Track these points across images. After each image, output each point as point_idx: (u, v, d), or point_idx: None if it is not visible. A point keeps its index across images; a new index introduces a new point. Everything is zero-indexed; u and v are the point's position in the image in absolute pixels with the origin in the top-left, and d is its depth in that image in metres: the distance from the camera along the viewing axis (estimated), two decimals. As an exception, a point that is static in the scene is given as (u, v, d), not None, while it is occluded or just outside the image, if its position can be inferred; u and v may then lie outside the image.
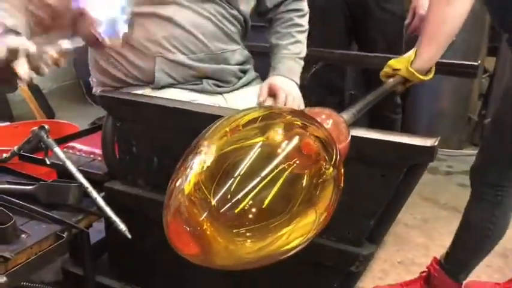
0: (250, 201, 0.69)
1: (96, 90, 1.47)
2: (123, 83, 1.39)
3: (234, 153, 0.73)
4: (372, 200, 0.99)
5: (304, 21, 1.53)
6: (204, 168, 0.72)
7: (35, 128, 1.32)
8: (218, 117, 0.79)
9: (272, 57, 1.49)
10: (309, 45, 1.59)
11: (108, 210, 1.21)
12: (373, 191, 0.98)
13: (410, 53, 1.35)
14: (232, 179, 0.70)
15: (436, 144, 0.90)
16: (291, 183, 0.72)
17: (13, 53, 0.92)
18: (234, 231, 0.70)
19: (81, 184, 1.24)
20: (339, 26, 2.06)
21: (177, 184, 0.72)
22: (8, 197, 1.21)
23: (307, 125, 0.77)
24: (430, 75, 1.38)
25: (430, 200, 2.49)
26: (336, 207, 0.77)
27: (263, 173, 0.70)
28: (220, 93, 1.42)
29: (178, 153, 0.77)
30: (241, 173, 0.70)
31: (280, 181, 0.71)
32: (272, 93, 1.41)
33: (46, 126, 1.31)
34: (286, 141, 0.74)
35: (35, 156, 1.39)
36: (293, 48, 1.47)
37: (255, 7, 1.48)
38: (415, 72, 1.33)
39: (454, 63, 1.67)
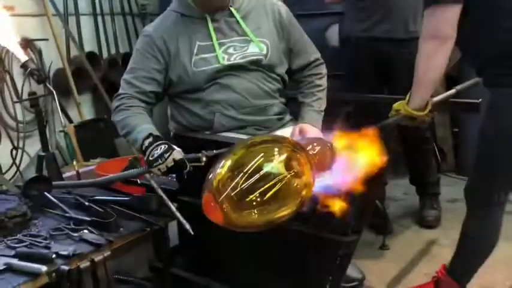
0: (251, 190, 1.16)
1: (172, 133, 2.03)
2: (190, 129, 1.94)
3: (246, 160, 1.20)
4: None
5: (323, 82, 2.02)
6: (226, 168, 1.20)
7: (131, 158, 1.89)
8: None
9: (301, 109, 1.98)
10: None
11: (178, 214, 1.70)
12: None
13: (407, 97, 1.76)
14: (241, 175, 1.17)
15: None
16: (280, 181, 1.18)
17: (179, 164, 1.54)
18: (242, 205, 1.17)
19: (160, 196, 1.77)
20: (370, 81, 2.49)
21: (210, 177, 1.20)
22: (112, 205, 1.78)
23: (296, 149, 1.24)
24: (426, 111, 1.75)
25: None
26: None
27: (260, 174, 1.17)
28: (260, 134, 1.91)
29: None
30: (247, 172, 1.17)
31: (275, 181, 1.17)
32: (302, 135, 1.89)
33: (138, 157, 1.88)
34: (279, 157, 1.21)
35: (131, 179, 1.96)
36: (315, 104, 1.97)
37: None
38: (410, 110, 1.71)
39: (457, 101, 2.02)
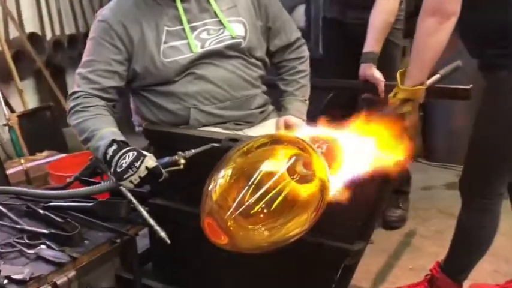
0: (258, 205, 0.95)
1: (139, 130, 1.77)
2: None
3: (249, 168, 0.99)
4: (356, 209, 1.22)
5: (306, 66, 1.82)
6: (227, 180, 0.99)
7: (92, 157, 1.63)
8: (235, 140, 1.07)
9: (283, 99, 1.79)
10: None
11: (151, 221, 1.48)
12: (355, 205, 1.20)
13: (398, 79, 1.58)
14: (247, 188, 0.96)
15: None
16: (289, 192, 0.98)
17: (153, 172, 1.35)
18: (249, 226, 0.96)
19: (129, 200, 1.53)
20: (350, 66, 2.31)
21: (208, 192, 0.99)
22: (73, 213, 1.53)
23: (303, 148, 1.03)
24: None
25: (445, 213, 2.67)
26: (328, 210, 1.02)
27: (268, 184, 0.96)
28: (241, 129, 1.69)
29: (205, 172, 1.03)
30: (253, 184, 0.96)
31: (280, 190, 0.96)
32: (287, 128, 1.69)
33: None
34: (285, 161, 1.00)
35: (93, 180, 1.70)
36: (299, 93, 1.77)
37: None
38: (408, 88, 1.54)
39: (447, 87, 1.90)
